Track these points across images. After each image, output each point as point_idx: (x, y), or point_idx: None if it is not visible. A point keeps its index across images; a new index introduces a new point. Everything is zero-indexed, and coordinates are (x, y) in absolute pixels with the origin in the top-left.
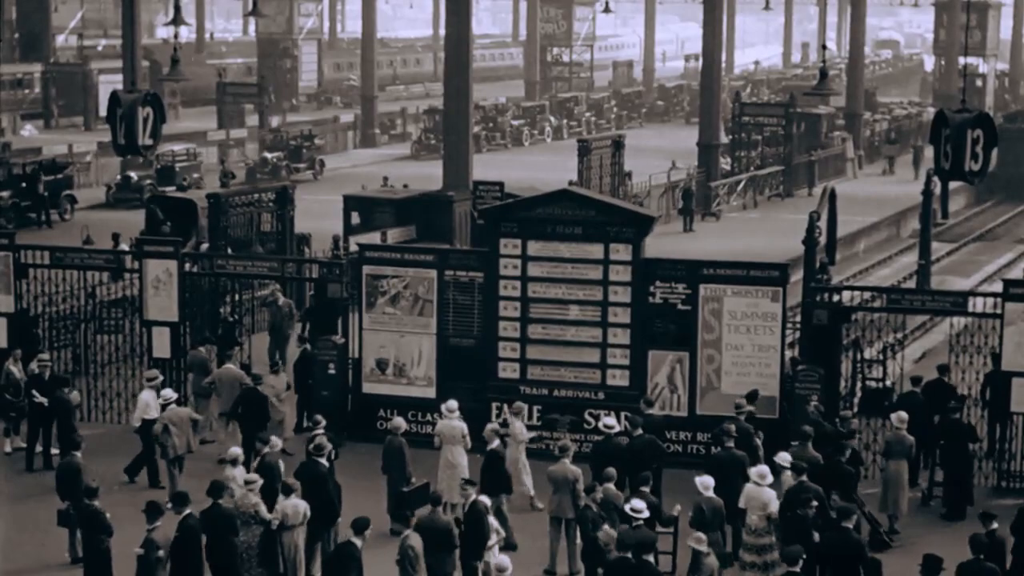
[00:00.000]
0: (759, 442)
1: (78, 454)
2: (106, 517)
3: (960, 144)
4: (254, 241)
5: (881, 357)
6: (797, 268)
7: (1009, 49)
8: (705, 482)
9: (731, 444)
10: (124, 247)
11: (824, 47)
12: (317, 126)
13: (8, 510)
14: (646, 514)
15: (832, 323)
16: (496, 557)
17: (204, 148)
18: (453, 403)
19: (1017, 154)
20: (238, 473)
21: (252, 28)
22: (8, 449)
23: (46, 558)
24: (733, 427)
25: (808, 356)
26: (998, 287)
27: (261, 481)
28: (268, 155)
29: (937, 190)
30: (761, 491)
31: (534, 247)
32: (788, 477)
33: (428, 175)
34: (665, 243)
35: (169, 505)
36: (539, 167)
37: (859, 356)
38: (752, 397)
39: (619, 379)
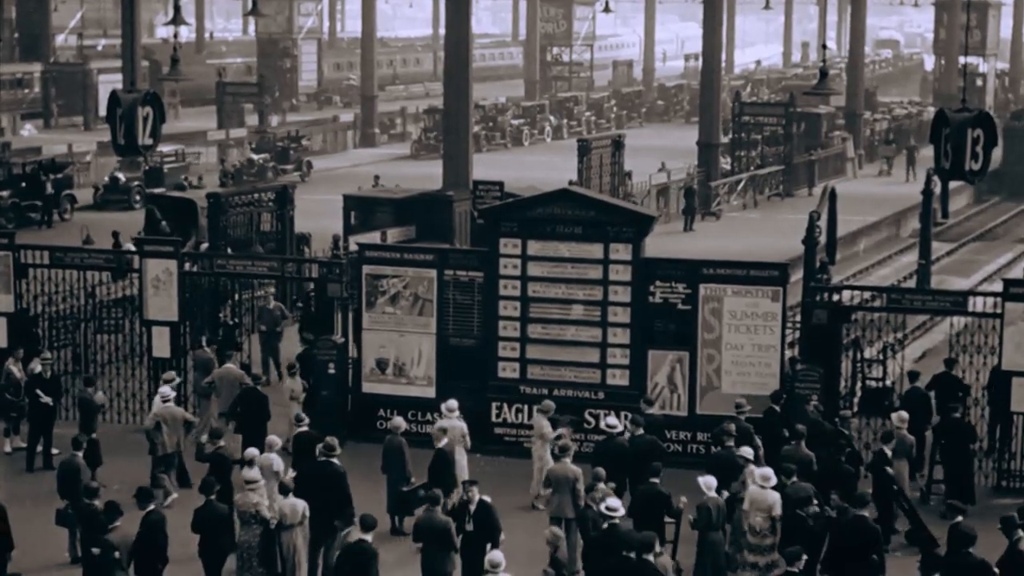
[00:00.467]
0: (759, 442)
1: (79, 454)
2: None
3: (960, 144)
4: (254, 241)
5: (881, 357)
6: (797, 268)
7: (1009, 48)
8: (708, 482)
9: (731, 444)
10: (129, 247)
11: (824, 47)
12: (316, 126)
13: (8, 510)
14: (621, 512)
15: (832, 323)
16: (490, 552)
17: (204, 148)
18: (453, 403)
19: (1022, 152)
20: (255, 474)
21: (252, 28)
22: (8, 449)
23: (46, 558)
24: (733, 427)
25: (808, 356)
26: (998, 287)
27: (262, 481)
28: (255, 156)
29: (937, 189)
30: (765, 494)
31: (534, 247)
32: (751, 471)
33: (428, 175)
34: (665, 243)
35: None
36: (539, 167)
37: (859, 356)
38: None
39: (619, 379)
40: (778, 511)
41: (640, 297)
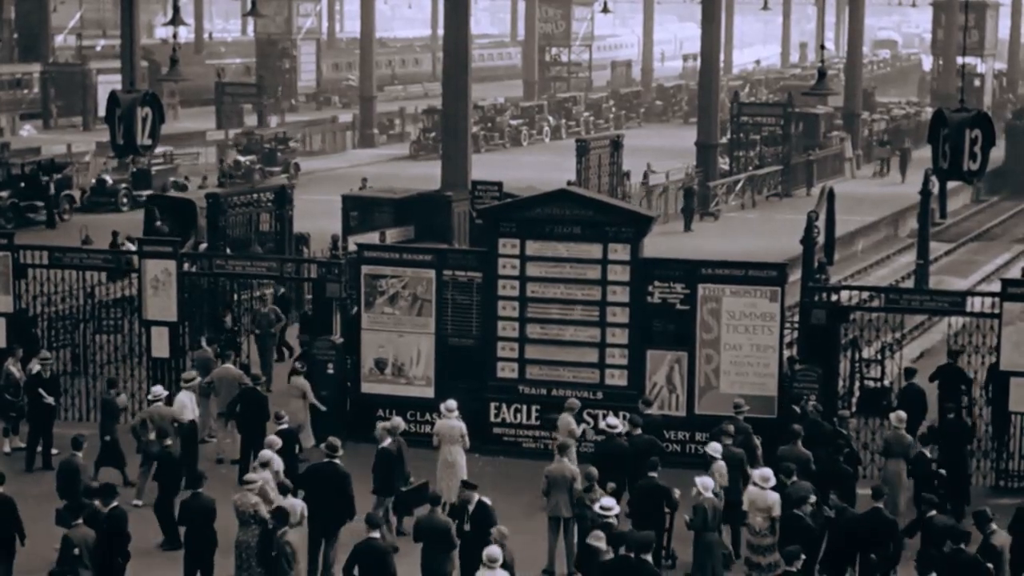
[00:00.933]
0: (758, 442)
1: (79, 454)
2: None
3: (958, 144)
4: (253, 241)
5: (879, 357)
6: (795, 268)
7: (1007, 49)
8: (705, 483)
9: (729, 443)
10: (131, 247)
11: (822, 47)
12: (315, 126)
13: None
14: (616, 510)
15: (830, 323)
16: (487, 548)
17: (203, 148)
18: (452, 402)
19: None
20: (268, 475)
21: (251, 28)
22: (8, 449)
23: (46, 558)
24: (732, 427)
25: (806, 356)
26: (996, 287)
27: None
28: (241, 158)
29: (935, 190)
30: (765, 494)
31: (533, 247)
32: (720, 467)
33: (427, 175)
34: (663, 243)
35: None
36: (537, 167)
37: (857, 356)
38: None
39: (617, 379)
40: (777, 511)
41: (639, 297)
